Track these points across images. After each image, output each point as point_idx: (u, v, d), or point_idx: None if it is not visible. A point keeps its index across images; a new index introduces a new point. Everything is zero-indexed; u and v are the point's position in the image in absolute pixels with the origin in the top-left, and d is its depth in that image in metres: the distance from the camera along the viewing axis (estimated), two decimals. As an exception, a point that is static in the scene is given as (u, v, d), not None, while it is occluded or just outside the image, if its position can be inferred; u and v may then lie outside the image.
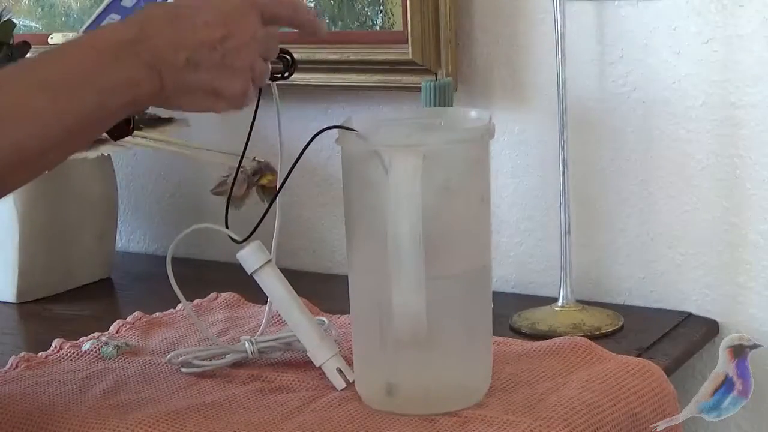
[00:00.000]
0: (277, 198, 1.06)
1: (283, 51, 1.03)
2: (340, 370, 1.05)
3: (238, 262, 1.07)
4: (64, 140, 0.90)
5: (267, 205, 1.08)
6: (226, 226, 1.06)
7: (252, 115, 1.04)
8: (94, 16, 1.01)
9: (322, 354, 1.06)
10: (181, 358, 1.12)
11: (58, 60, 0.91)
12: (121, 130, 0.98)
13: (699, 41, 1.29)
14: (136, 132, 1.03)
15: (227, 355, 1.12)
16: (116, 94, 0.90)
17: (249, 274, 1.06)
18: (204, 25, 0.92)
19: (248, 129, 1.05)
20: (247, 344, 1.11)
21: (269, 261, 1.07)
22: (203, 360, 1.11)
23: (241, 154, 1.08)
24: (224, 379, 1.09)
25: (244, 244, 1.05)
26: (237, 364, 1.11)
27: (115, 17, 0.99)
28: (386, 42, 1.42)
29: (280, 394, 1.05)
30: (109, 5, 1.01)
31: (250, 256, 1.06)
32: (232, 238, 1.05)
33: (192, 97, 0.93)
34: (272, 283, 1.07)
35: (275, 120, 1.06)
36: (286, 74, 1.04)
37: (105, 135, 0.97)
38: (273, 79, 1.04)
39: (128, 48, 0.90)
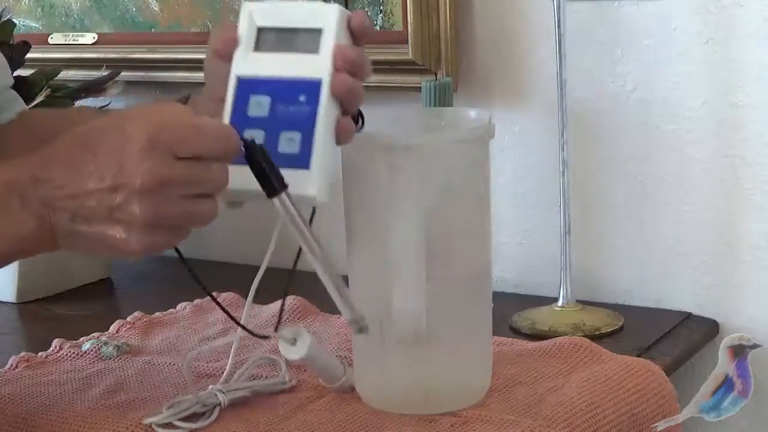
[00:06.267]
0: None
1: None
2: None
3: (238, 262, 1.07)
4: None
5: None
6: None
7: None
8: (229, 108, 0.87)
9: None
10: (156, 419, 0.99)
11: None
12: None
13: (699, 41, 1.29)
14: None
15: (203, 414, 1.00)
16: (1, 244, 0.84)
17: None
18: (94, 173, 0.81)
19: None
20: (218, 395, 1.01)
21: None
22: (181, 421, 0.99)
23: None
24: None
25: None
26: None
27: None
28: (386, 42, 1.42)
29: (280, 394, 1.05)
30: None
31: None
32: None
33: (90, 247, 0.85)
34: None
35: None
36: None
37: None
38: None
39: (19, 193, 0.83)
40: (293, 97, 0.85)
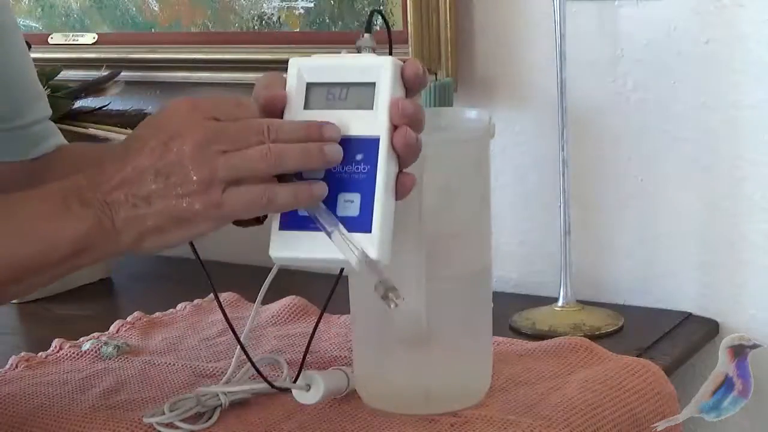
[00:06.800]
0: None
1: None
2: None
3: (238, 262, 1.07)
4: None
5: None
6: None
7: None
8: None
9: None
10: (157, 419, 0.98)
11: (4, 206, 0.86)
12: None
13: (699, 41, 1.29)
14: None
15: (204, 415, 1.00)
16: (61, 245, 0.83)
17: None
18: (144, 150, 0.82)
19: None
20: (221, 396, 1.01)
21: None
22: (183, 422, 0.99)
23: None
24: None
25: None
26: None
27: None
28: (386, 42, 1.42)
29: (280, 395, 1.05)
30: None
31: None
32: None
33: (159, 232, 0.83)
34: None
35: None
36: None
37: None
38: None
39: (76, 194, 0.83)
40: (350, 157, 0.81)
